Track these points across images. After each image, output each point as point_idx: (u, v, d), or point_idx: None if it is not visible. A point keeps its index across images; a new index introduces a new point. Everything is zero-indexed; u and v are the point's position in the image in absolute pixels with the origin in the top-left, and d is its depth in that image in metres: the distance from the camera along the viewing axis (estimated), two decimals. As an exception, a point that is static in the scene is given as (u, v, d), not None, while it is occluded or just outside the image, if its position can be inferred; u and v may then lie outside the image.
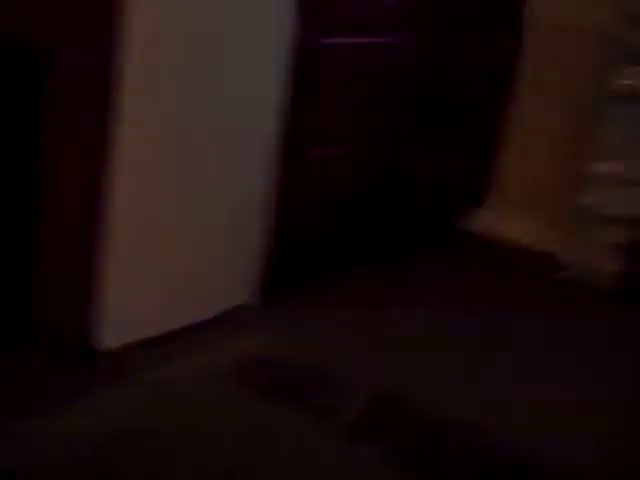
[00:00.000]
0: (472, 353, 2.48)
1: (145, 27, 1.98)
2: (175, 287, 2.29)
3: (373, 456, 1.94)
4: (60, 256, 2.11)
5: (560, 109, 3.22)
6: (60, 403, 1.97)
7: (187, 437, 1.88)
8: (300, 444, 1.96)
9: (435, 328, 2.60)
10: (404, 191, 2.98)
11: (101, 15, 1.92)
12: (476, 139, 3.27)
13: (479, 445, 2.04)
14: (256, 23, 2.24)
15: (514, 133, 3.32)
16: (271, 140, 2.40)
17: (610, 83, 2.91)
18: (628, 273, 2.99)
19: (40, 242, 2.14)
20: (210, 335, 2.35)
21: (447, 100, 3.02)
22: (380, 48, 2.67)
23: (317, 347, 2.38)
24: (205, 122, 2.20)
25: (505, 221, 3.37)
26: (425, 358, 2.42)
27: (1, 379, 2.06)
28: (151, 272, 2.21)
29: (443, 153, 3.11)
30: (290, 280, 2.68)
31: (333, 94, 2.55)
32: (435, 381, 2.29)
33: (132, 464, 1.79)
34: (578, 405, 2.29)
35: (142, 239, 2.15)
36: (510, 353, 2.53)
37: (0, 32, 2.02)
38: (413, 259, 3.10)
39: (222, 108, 2.23)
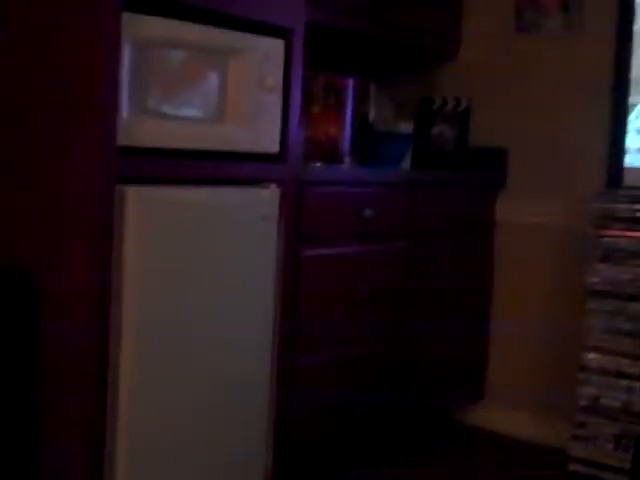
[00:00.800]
0: None
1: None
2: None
3: None
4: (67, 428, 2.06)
5: (540, 305, 3.35)
6: None
7: None
8: None
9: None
10: (402, 389, 3.01)
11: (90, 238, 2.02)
12: (471, 334, 3.38)
13: None
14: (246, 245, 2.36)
15: (503, 328, 3.44)
16: (268, 350, 2.44)
17: (585, 279, 3.05)
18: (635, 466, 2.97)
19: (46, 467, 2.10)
20: None
21: (438, 301, 3.15)
22: (362, 256, 2.79)
23: None
24: (208, 333, 2.24)
25: (505, 415, 3.41)
26: None
27: None
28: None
29: (439, 349, 3.19)
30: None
31: (318, 302, 2.64)
32: None
33: None
34: None
35: (150, 453, 2.12)
36: None
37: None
38: (416, 456, 3.08)
39: (223, 314, 2.28)
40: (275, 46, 2.38)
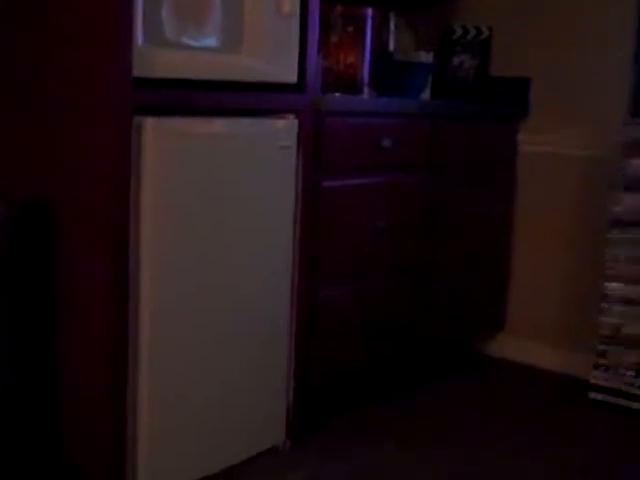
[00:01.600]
0: None
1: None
2: (208, 432, 2.27)
3: None
4: (90, 401, 2.10)
5: (563, 237, 3.33)
6: None
7: None
8: None
9: (474, 464, 2.55)
10: (422, 319, 3.03)
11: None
12: (491, 265, 3.37)
13: None
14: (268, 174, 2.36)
15: (525, 258, 3.43)
16: (287, 280, 2.46)
17: (608, 208, 3.03)
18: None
19: (68, 383, 2.14)
20: (245, 479, 2.31)
21: (457, 231, 3.14)
22: (381, 187, 2.79)
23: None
24: (227, 264, 2.26)
25: (525, 345, 3.43)
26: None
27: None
28: (184, 419, 2.20)
29: (459, 279, 3.19)
30: (318, 418, 2.71)
31: (339, 233, 2.64)
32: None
33: None
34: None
35: (173, 387, 2.16)
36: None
37: (18, 192, 2.12)
38: (436, 388, 3.11)
39: (244, 246, 2.30)
40: (291, -29, 2.34)
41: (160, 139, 2.04)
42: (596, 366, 3.06)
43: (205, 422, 2.25)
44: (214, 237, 2.21)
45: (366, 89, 2.96)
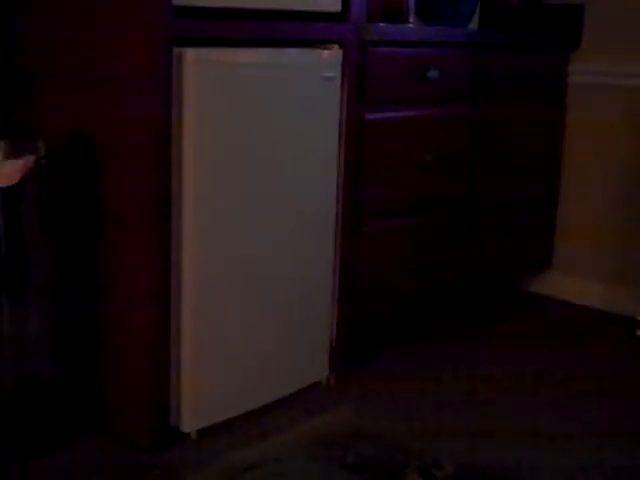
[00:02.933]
0: (562, 422, 2.41)
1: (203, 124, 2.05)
2: (251, 367, 2.27)
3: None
4: (134, 342, 2.11)
5: (614, 169, 3.24)
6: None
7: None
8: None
9: (518, 394, 2.55)
10: (468, 256, 2.99)
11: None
12: (538, 200, 3.31)
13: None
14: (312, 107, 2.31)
15: (573, 193, 3.36)
16: (332, 215, 2.43)
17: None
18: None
19: (110, 323, 2.15)
20: (288, 414, 2.33)
21: (504, 165, 3.07)
22: (427, 119, 2.72)
23: (396, 419, 2.35)
24: (270, 200, 2.23)
25: (573, 283, 3.38)
26: (505, 425, 2.36)
27: (78, 465, 2.04)
28: (226, 354, 2.20)
29: (506, 215, 3.13)
30: (362, 353, 2.72)
31: (384, 167, 2.59)
32: (519, 449, 2.23)
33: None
34: None
35: (217, 321, 2.16)
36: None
37: (61, 129, 2.10)
38: (482, 324, 3.09)
39: (285, 184, 2.27)
40: None
41: (201, 70, 2.00)
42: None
43: (248, 357, 2.26)
44: (257, 171, 2.18)
45: (412, 18, 2.88)
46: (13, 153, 1.93)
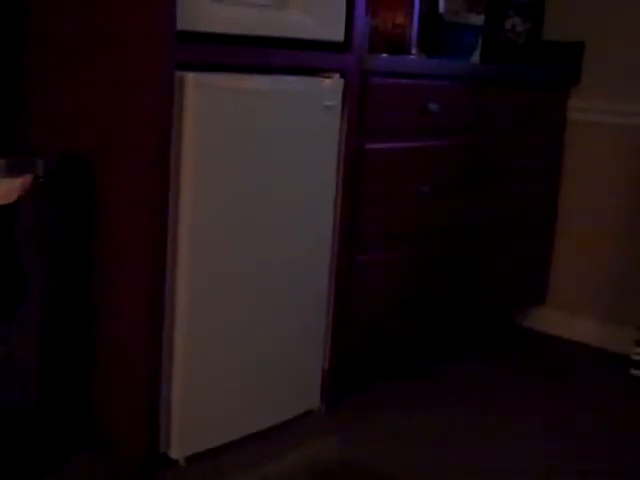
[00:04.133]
0: (552, 461, 2.38)
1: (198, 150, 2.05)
2: (242, 395, 2.25)
3: None
4: (126, 364, 2.09)
5: (612, 206, 3.25)
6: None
7: None
8: None
9: (509, 437, 2.52)
10: (462, 290, 2.98)
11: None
12: (534, 235, 3.31)
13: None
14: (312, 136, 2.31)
15: (569, 230, 3.35)
16: (328, 244, 2.42)
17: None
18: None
19: (103, 348, 2.14)
20: (278, 442, 2.31)
21: (502, 198, 3.07)
22: (426, 151, 2.73)
23: (386, 452, 2.33)
24: (266, 228, 2.23)
25: (566, 319, 3.37)
26: (495, 459, 2.34)
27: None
28: (217, 382, 2.19)
29: (502, 249, 3.13)
30: (353, 384, 2.69)
31: (381, 197, 2.59)
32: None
33: None
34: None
35: (207, 349, 2.14)
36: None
37: (59, 149, 2.10)
38: (474, 358, 3.07)
39: (283, 207, 2.26)
40: None
41: (202, 95, 2.01)
42: (638, 342, 2.99)
43: (240, 385, 2.24)
44: (254, 196, 2.18)
45: (414, 50, 2.88)
46: (11, 171, 1.92)
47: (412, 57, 2.85)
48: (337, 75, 2.36)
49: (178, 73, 1.97)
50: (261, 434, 2.31)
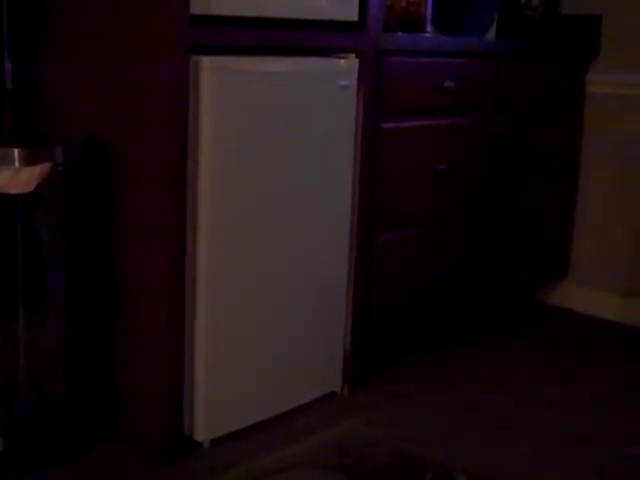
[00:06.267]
0: (573, 437, 2.38)
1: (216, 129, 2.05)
2: (265, 377, 2.27)
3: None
4: (149, 349, 2.10)
5: (633, 180, 3.22)
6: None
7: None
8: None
9: (533, 409, 2.52)
10: (483, 265, 2.98)
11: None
12: (555, 209, 3.30)
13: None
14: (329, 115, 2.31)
15: (591, 203, 3.33)
16: (347, 224, 2.42)
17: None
18: None
19: (126, 330, 2.15)
20: (302, 423, 2.32)
21: (521, 175, 3.06)
22: (443, 129, 2.71)
23: (410, 430, 2.33)
24: (286, 207, 2.23)
25: (588, 295, 3.34)
26: (518, 440, 2.34)
27: (91, 474, 2.04)
28: (241, 364, 2.20)
29: (522, 224, 3.12)
30: (375, 364, 2.69)
31: (399, 176, 2.58)
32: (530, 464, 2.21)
33: None
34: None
35: (231, 331, 2.15)
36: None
37: (77, 136, 2.11)
38: (496, 335, 3.07)
39: (301, 188, 2.26)
40: None
41: (217, 78, 2.01)
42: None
43: (263, 367, 2.25)
44: (272, 177, 2.18)
45: (429, 28, 2.86)
46: (30, 159, 1.93)
47: (427, 35, 2.83)
48: (352, 55, 2.35)
49: (194, 57, 1.97)
50: (285, 416, 2.32)
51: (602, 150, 3.28)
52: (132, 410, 2.17)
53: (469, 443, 2.29)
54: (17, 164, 1.92)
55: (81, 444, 2.12)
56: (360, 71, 2.36)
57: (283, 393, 2.33)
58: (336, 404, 2.45)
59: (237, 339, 2.17)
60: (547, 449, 2.28)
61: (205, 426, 2.15)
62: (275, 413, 2.31)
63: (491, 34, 3.16)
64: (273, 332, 2.26)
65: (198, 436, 2.15)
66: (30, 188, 1.91)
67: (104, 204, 2.13)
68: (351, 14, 2.33)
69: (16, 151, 1.92)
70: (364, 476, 2.08)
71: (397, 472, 2.12)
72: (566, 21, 3.30)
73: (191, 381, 2.11)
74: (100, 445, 2.15)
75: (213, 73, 1.99)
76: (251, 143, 2.11)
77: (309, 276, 2.33)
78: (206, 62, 1.98)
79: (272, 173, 2.18)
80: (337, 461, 2.13)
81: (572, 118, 3.28)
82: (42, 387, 2.05)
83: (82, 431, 2.13)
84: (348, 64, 2.33)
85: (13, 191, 1.90)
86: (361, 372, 2.57)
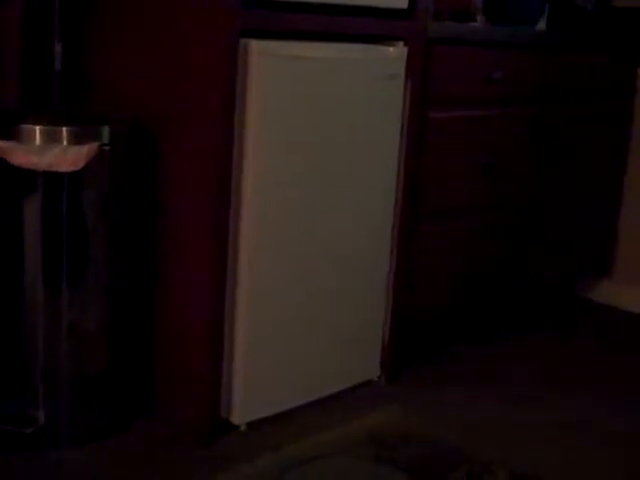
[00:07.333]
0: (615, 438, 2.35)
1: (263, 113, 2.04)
2: (303, 362, 2.27)
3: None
4: (187, 332, 2.12)
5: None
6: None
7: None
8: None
9: (569, 409, 2.49)
10: (527, 261, 2.95)
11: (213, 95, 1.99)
12: (599, 206, 3.25)
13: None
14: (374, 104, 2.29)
15: (635, 200, 3.28)
16: (390, 214, 2.41)
17: None
18: None
19: (165, 312, 2.17)
20: (338, 411, 2.32)
21: (567, 168, 3.02)
22: (490, 120, 2.68)
23: (447, 422, 2.32)
24: (330, 195, 2.22)
25: (630, 292, 3.29)
26: (556, 439, 2.31)
27: (128, 452, 2.06)
28: (279, 349, 2.20)
29: (567, 220, 3.08)
30: (413, 354, 2.68)
31: (444, 166, 2.56)
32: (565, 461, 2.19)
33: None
34: None
35: (270, 316, 2.16)
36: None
37: (123, 115, 2.12)
38: (536, 333, 3.03)
39: (345, 179, 2.26)
40: None
41: (265, 62, 2.00)
42: None
43: (300, 352, 2.25)
44: (317, 165, 2.17)
45: (479, 18, 2.83)
46: (77, 139, 1.94)
47: (477, 25, 2.80)
48: (401, 43, 2.33)
49: (242, 40, 1.97)
50: (321, 402, 2.32)
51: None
52: (170, 390, 2.18)
53: (509, 440, 2.26)
54: (65, 143, 1.93)
55: (119, 421, 2.14)
56: (408, 60, 2.34)
57: (320, 380, 2.33)
58: (373, 393, 2.45)
59: (276, 324, 2.18)
60: (597, 449, 2.25)
61: (242, 409, 2.16)
62: (311, 399, 2.31)
63: (541, 25, 3.11)
64: (312, 318, 2.26)
65: (235, 419, 2.16)
66: (78, 167, 1.93)
67: (147, 186, 2.14)
68: (401, 1, 2.31)
69: (64, 130, 1.94)
70: (399, 467, 2.08)
71: (433, 463, 2.11)
72: (618, 13, 3.24)
73: (230, 364, 2.12)
74: (137, 423, 2.17)
75: (261, 57, 1.99)
76: (297, 129, 2.11)
77: (351, 263, 2.33)
78: (254, 45, 1.98)
79: (317, 159, 2.17)
80: (372, 450, 2.13)
81: (622, 112, 3.22)
82: (83, 364, 2.07)
83: (120, 409, 2.15)
84: (397, 52, 2.31)
85: (61, 169, 1.92)
86: (399, 362, 2.56)
